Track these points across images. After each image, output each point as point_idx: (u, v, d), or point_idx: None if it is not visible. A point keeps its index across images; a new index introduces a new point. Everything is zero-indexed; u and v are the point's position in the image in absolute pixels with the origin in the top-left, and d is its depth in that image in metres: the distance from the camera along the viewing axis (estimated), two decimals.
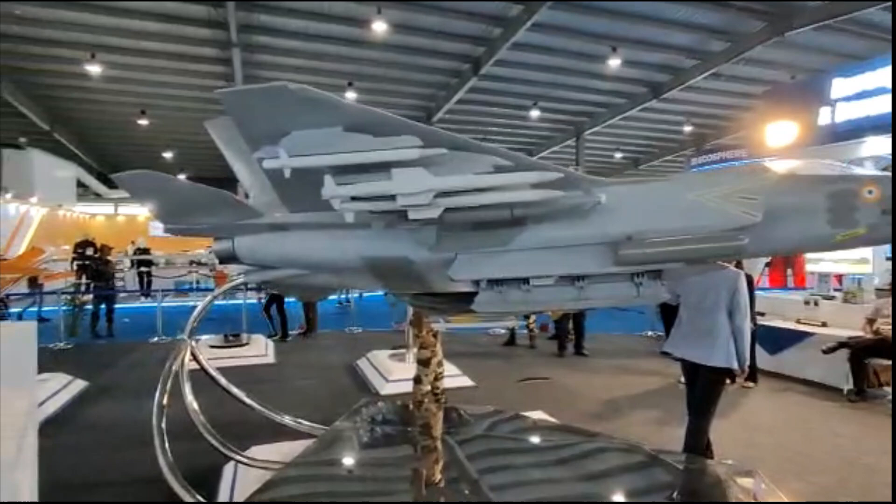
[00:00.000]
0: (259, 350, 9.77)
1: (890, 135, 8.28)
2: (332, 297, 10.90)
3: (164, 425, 3.47)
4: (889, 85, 8.65)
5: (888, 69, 8.73)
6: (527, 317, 6.78)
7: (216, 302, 5.06)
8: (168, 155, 26.03)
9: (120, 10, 12.70)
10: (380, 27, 13.22)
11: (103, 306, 12.10)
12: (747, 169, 3.03)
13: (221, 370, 5.03)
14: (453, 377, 7.54)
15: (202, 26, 13.63)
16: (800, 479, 4.77)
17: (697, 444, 4.41)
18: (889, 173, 2.93)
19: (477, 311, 3.57)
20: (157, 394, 3.63)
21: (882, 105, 8.76)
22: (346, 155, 2.44)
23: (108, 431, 6.00)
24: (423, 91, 18.92)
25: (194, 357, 4.18)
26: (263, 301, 11.69)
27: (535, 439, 4.99)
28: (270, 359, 9.62)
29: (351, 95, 16.09)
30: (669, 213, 2.98)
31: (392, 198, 2.64)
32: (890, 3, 8.94)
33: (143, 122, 20.37)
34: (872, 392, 7.11)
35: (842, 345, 7.16)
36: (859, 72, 9.31)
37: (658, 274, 3.31)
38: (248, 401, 4.76)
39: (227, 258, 3.76)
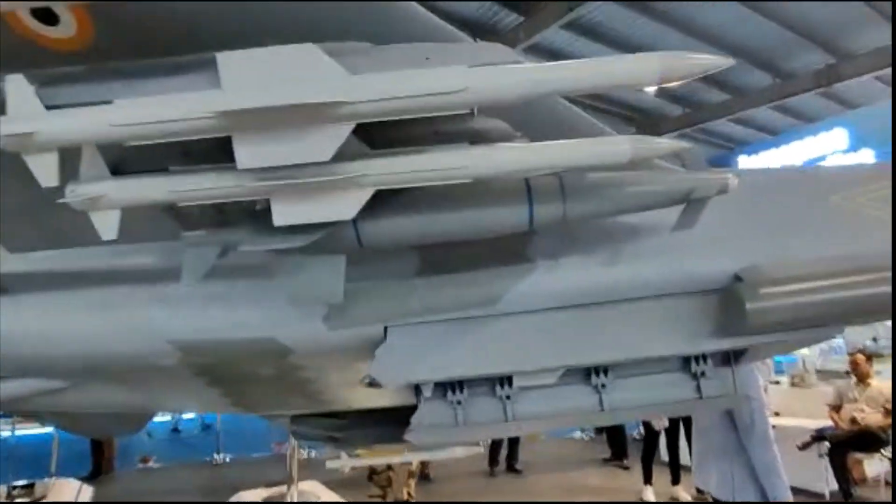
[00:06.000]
0: None
1: None
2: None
3: None
4: (798, 160, 8.92)
5: (792, 145, 9.03)
6: None
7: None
8: None
9: None
10: None
11: None
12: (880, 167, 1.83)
13: None
14: None
15: None
16: None
17: None
18: None
19: (413, 441, 1.94)
20: None
21: None
22: None
23: None
24: None
25: None
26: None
27: None
28: None
29: None
30: (806, 228, 1.59)
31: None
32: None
33: None
34: (859, 494, 6.07)
35: (816, 438, 6.17)
36: (763, 149, 9.66)
37: (737, 356, 1.88)
38: None
39: None
